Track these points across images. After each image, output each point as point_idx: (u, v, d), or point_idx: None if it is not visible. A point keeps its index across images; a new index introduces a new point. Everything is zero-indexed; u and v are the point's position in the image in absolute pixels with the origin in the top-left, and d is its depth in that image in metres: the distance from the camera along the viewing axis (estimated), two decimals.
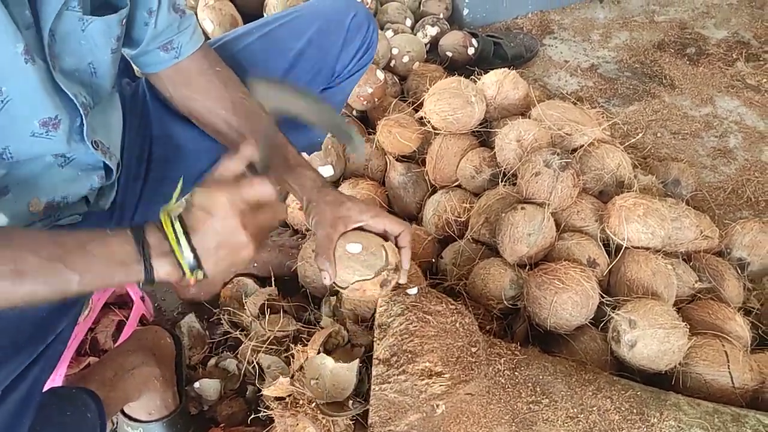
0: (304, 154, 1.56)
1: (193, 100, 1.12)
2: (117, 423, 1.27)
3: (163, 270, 0.79)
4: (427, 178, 1.60)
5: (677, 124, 1.89)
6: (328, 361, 1.16)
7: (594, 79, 2.06)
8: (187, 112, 1.14)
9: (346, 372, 1.13)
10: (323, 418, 1.06)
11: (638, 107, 1.95)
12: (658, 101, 1.96)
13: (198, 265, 0.80)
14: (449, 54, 2.02)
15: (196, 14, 1.86)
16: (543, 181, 1.33)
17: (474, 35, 2.04)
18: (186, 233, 0.79)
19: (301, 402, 1.10)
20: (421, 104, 1.60)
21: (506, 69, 1.62)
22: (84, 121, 0.93)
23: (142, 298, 1.53)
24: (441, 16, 2.23)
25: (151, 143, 1.19)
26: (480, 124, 1.60)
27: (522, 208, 1.32)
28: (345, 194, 1.11)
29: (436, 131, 1.59)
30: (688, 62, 2.09)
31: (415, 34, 2.14)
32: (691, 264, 1.38)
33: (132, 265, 0.78)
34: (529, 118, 1.52)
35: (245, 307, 1.42)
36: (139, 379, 1.18)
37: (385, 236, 1.10)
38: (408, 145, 1.60)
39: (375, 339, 1.10)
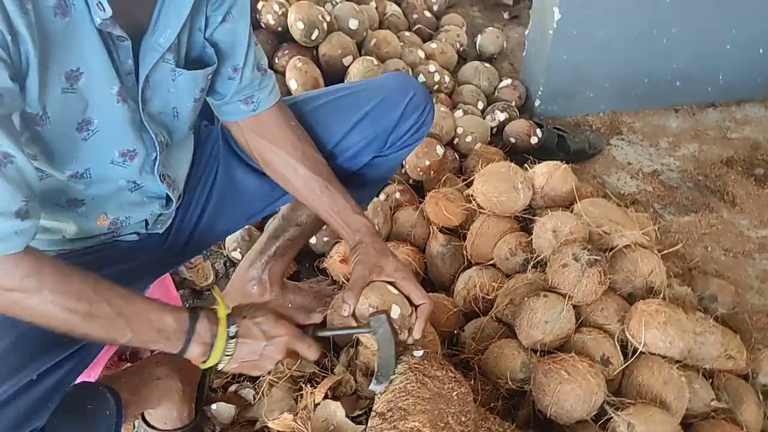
0: None
1: (266, 148, 1.24)
2: (137, 426, 1.38)
3: (194, 353, 1.00)
4: (465, 252, 1.66)
5: (731, 241, 1.87)
6: (340, 412, 1.23)
7: (654, 185, 2.08)
8: (259, 158, 1.27)
9: (351, 429, 1.19)
10: None
11: (694, 219, 1.95)
12: (715, 216, 1.96)
13: (226, 361, 1.02)
14: (512, 140, 2.11)
15: (285, 73, 2.04)
16: (569, 274, 1.36)
17: (539, 125, 2.12)
18: (234, 339, 1.00)
19: None
20: (472, 182, 1.68)
21: (559, 162, 1.68)
22: (158, 157, 1.08)
23: None
24: (513, 103, 2.33)
25: (214, 182, 1.33)
26: (524, 210, 1.66)
27: (544, 296, 1.36)
28: (391, 250, 1.21)
29: (481, 210, 1.66)
30: (754, 182, 2.08)
31: (485, 117, 2.24)
32: (711, 381, 1.36)
33: (174, 341, 0.97)
34: (571, 212, 1.57)
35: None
36: (161, 390, 1.28)
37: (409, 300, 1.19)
38: (451, 219, 1.68)
39: (377, 394, 1.17)
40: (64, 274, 0.87)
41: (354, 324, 1.14)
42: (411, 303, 1.18)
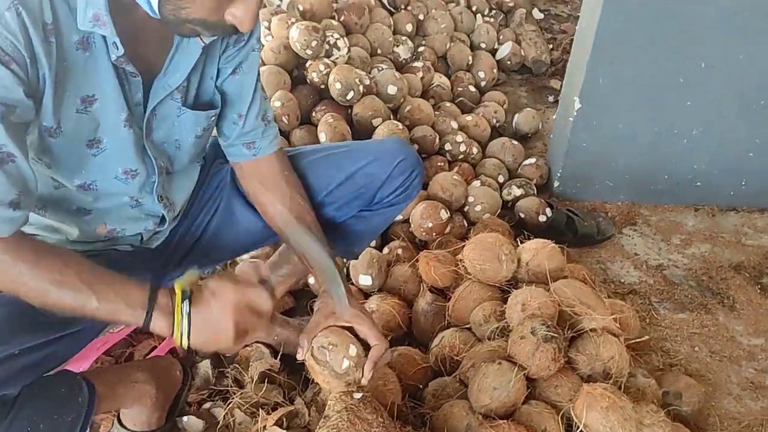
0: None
1: (260, 190, 1.40)
2: (113, 424, 1.52)
3: (158, 325, 1.05)
4: (447, 313, 1.75)
5: (720, 344, 1.88)
6: None
7: (656, 278, 2.11)
8: (253, 198, 1.43)
9: None
10: None
11: (688, 317, 1.97)
12: (710, 318, 1.97)
13: (187, 334, 1.05)
14: (521, 215, 2.20)
15: (318, 126, 2.22)
16: (525, 345, 1.44)
17: (550, 205, 2.21)
18: (189, 306, 1.05)
19: None
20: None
21: (547, 241, 1.76)
22: (157, 179, 1.26)
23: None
24: (534, 181, 2.42)
25: (215, 213, 1.49)
26: (508, 281, 1.75)
27: (498, 363, 1.43)
28: (351, 297, 1.32)
29: (467, 276, 1.75)
30: (759, 290, 2.08)
31: (502, 191, 2.34)
32: None
33: (137, 310, 1.04)
34: (547, 290, 1.64)
35: (248, 369, 1.64)
36: (137, 392, 1.40)
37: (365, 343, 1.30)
38: (439, 279, 1.78)
39: (318, 426, 1.27)
40: (37, 251, 1.00)
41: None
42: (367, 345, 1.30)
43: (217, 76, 1.30)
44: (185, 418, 1.55)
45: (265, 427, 1.38)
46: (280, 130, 2.23)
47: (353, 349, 1.28)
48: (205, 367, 1.70)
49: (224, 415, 1.54)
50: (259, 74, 1.35)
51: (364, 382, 1.28)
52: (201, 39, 1.15)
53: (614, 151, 2.29)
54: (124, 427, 1.44)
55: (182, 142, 1.28)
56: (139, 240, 1.35)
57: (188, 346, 1.07)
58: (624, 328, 1.68)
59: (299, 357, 1.28)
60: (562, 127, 2.35)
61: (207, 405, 1.61)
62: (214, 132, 1.42)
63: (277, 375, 1.63)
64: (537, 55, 3.36)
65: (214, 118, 1.31)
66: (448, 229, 2.04)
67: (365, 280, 1.85)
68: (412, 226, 2.02)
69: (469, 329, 1.69)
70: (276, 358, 1.68)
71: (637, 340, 1.60)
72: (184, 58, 1.17)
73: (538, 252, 1.75)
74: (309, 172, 1.48)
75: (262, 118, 1.37)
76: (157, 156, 1.24)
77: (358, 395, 1.27)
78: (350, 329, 1.31)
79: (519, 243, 1.83)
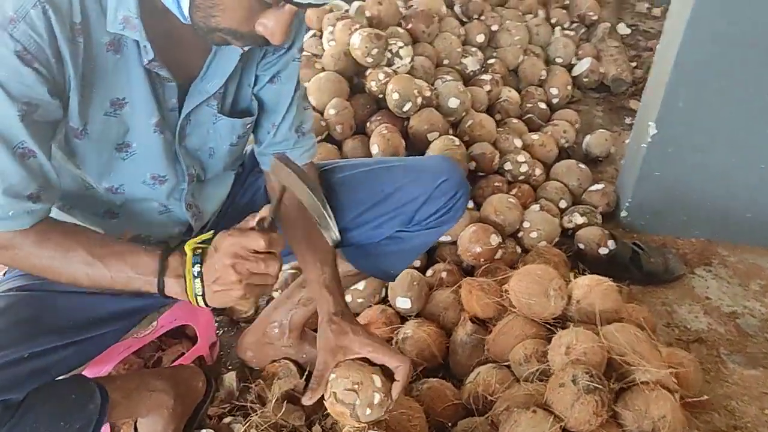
0: (359, 285, 1.73)
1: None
2: None
3: (172, 289, 1.04)
4: (486, 347, 1.63)
5: None
6: None
7: (727, 327, 1.91)
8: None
9: None
10: None
11: (760, 374, 1.76)
12: None
13: (201, 293, 1.02)
14: (580, 246, 2.04)
15: (371, 137, 2.15)
16: (564, 395, 1.30)
17: (613, 237, 2.04)
18: (200, 265, 1.01)
19: None
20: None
21: (603, 278, 1.61)
22: (187, 187, 1.21)
23: (214, 344, 1.78)
24: (599, 209, 2.25)
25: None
26: (556, 319, 1.61)
27: (533, 411, 1.31)
28: (353, 324, 1.25)
29: (512, 309, 1.63)
30: None
31: (563, 218, 2.19)
32: None
33: (149, 277, 1.03)
34: (597, 333, 1.50)
35: (272, 387, 1.58)
36: (154, 401, 1.37)
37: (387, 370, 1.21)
38: (481, 310, 1.66)
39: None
40: (43, 232, 1.01)
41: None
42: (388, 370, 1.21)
43: (255, 83, 1.25)
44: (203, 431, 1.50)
45: None
46: (333, 138, 2.19)
47: (378, 380, 1.19)
48: (230, 379, 1.65)
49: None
50: (298, 85, 1.30)
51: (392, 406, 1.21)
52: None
53: (691, 182, 2.10)
54: None
55: (216, 150, 1.24)
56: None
57: (207, 305, 1.04)
58: (683, 383, 1.51)
59: (306, 402, 1.20)
60: (634, 152, 2.18)
61: (227, 420, 1.56)
62: (252, 140, 1.38)
63: (300, 395, 1.56)
64: (617, 72, 3.16)
65: (250, 125, 1.26)
66: (498, 255, 1.92)
67: (403, 303, 1.76)
68: (459, 249, 1.91)
69: (509, 367, 1.57)
70: (303, 378, 1.61)
71: (696, 399, 1.43)
72: (222, 64, 1.13)
73: (592, 290, 1.60)
74: (344, 188, 1.41)
75: (296, 130, 1.32)
76: (190, 163, 1.20)
77: None
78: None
79: (573, 277, 1.69)
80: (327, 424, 1.48)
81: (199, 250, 1.03)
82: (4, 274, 1.25)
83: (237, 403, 1.60)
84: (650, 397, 1.36)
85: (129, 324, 1.32)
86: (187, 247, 1.03)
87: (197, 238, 1.05)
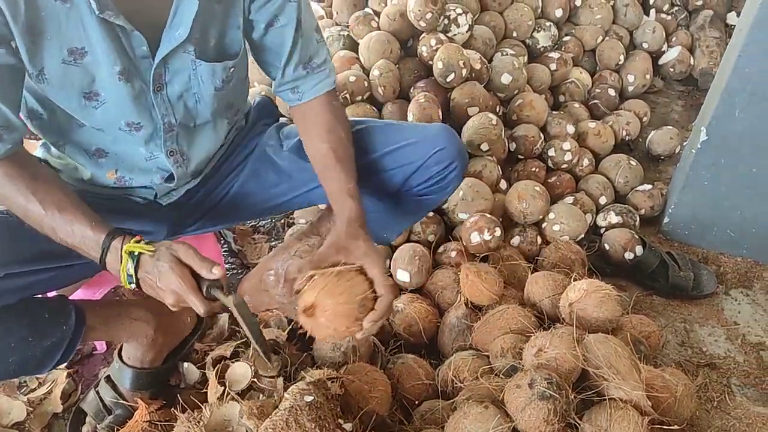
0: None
1: (307, 127, 1.38)
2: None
3: (111, 268, 1.12)
4: (472, 334, 1.61)
5: None
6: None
7: (747, 357, 1.78)
8: (303, 137, 1.40)
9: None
10: None
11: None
12: None
13: (135, 284, 1.11)
14: (606, 246, 1.94)
15: (411, 100, 2.11)
16: (518, 396, 1.27)
17: (643, 242, 1.93)
18: (135, 265, 1.09)
19: None
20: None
21: (602, 284, 1.53)
22: (163, 135, 1.25)
23: None
24: (642, 211, 2.13)
25: (240, 175, 1.47)
26: (551, 319, 1.56)
27: (485, 406, 1.29)
28: (366, 235, 1.25)
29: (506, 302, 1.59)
30: None
31: (598, 215, 2.09)
32: None
33: (93, 253, 1.11)
34: (579, 341, 1.43)
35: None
36: (134, 329, 1.43)
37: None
38: (474, 297, 1.63)
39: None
40: (9, 176, 1.08)
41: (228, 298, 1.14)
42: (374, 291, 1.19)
43: (253, 29, 1.26)
44: (185, 365, 1.58)
45: (224, 395, 1.37)
46: (375, 100, 2.18)
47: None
48: (223, 319, 1.73)
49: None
50: (299, 24, 1.28)
51: (358, 336, 1.18)
52: None
53: (741, 196, 1.93)
54: (121, 359, 1.50)
55: (201, 96, 1.26)
56: (153, 195, 1.37)
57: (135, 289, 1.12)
58: (667, 409, 1.43)
59: (296, 286, 1.20)
60: (686, 157, 2.03)
61: (211, 357, 1.63)
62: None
63: (280, 347, 1.61)
64: (708, 66, 2.92)
65: (233, 69, 1.27)
66: (516, 243, 1.86)
67: (402, 276, 1.76)
68: (461, 232, 1.87)
69: (487, 356, 1.54)
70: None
71: (676, 427, 1.34)
72: (186, 9, 1.12)
73: (588, 295, 1.53)
74: (356, 136, 1.42)
75: (304, 66, 1.33)
76: (168, 111, 1.23)
77: (309, 398, 1.21)
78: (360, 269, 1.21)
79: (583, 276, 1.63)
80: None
81: (138, 249, 1.09)
82: None
83: (225, 342, 1.66)
84: (614, 415, 1.31)
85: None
86: (126, 247, 1.09)
87: (140, 243, 1.10)
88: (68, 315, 1.27)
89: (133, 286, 1.10)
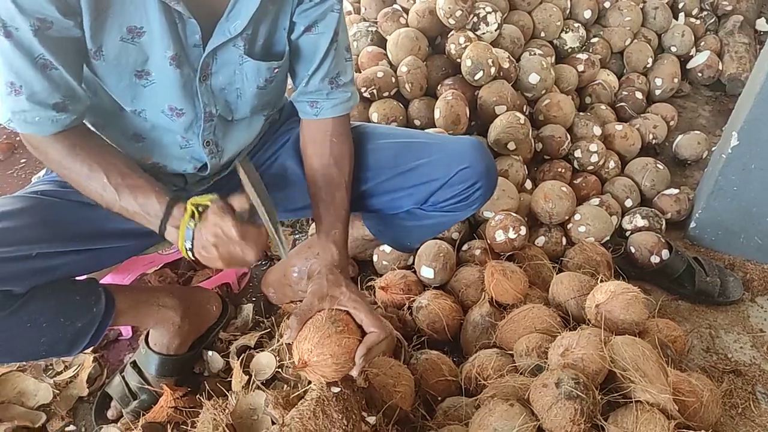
0: (386, 248, 1.73)
1: (309, 149, 1.39)
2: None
3: (170, 235, 1.14)
4: (496, 332, 1.60)
5: None
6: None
7: None
8: (303, 155, 1.41)
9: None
10: None
11: None
12: None
13: (190, 249, 1.11)
14: (631, 249, 1.93)
15: (437, 101, 2.11)
16: (544, 395, 1.26)
17: (669, 246, 1.91)
18: (193, 227, 1.10)
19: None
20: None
21: (629, 286, 1.52)
22: (203, 124, 1.26)
23: (245, 274, 1.87)
24: (668, 215, 2.11)
25: (269, 169, 1.47)
26: (576, 319, 1.55)
27: (510, 404, 1.28)
28: (348, 281, 1.27)
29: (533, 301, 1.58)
30: None
31: (624, 217, 2.07)
32: None
33: (154, 219, 1.13)
34: (606, 342, 1.42)
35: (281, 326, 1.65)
36: (161, 316, 1.46)
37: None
38: (499, 295, 1.63)
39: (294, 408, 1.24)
40: (73, 146, 1.11)
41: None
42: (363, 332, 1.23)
43: (292, 30, 1.27)
44: (209, 353, 1.59)
45: (249, 384, 1.38)
46: (402, 97, 2.17)
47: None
48: (247, 310, 1.74)
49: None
50: (336, 36, 1.29)
51: (354, 372, 1.21)
52: None
53: None
54: (147, 345, 1.52)
55: (243, 91, 1.27)
56: (184, 183, 1.38)
57: (194, 259, 1.14)
58: (693, 414, 1.42)
59: (286, 340, 1.24)
60: (715, 162, 2.00)
61: (234, 346, 1.64)
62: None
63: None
64: (736, 72, 2.89)
65: (277, 70, 1.28)
66: (540, 243, 1.85)
67: (427, 272, 1.75)
68: (486, 230, 1.86)
69: (513, 357, 1.53)
70: None
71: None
72: (245, 4, 1.14)
73: (615, 297, 1.52)
74: (371, 155, 1.43)
75: (330, 81, 1.33)
76: (210, 102, 1.24)
77: (336, 389, 1.21)
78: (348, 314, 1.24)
79: (609, 278, 1.62)
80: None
81: (201, 208, 1.11)
82: (45, 174, 1.37)
83: (248, 333, 1.67)
84: (641, 418, 1.30)
85: (140, 244, 1.38)
86: (189, 204, 1.11)
87: (202, 197, 1.12)
88: (98, 298, 1.29)
89: (189, 252, 1.12)
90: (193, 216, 1.11)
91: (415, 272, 1.80)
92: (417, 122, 2.15)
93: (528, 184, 2.11)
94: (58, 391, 1.52)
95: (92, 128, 1.27)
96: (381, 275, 1.81)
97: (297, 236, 2.05)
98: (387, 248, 1.82)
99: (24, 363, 1.55)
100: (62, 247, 1.19)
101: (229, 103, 1.28)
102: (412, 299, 1.70)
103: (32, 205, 1.19)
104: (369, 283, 1.78)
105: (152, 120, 1.24)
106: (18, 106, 1.06)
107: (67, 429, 1.48)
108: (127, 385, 1.49)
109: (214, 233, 1.08)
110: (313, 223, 1.95)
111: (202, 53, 1.16)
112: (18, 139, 2.41)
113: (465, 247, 1.89)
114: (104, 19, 1.05)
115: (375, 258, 1.85)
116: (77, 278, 1.30)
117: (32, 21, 0.98)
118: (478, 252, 1.84)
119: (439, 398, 1.51)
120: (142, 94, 1.18)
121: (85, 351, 1.40)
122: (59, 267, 1.20)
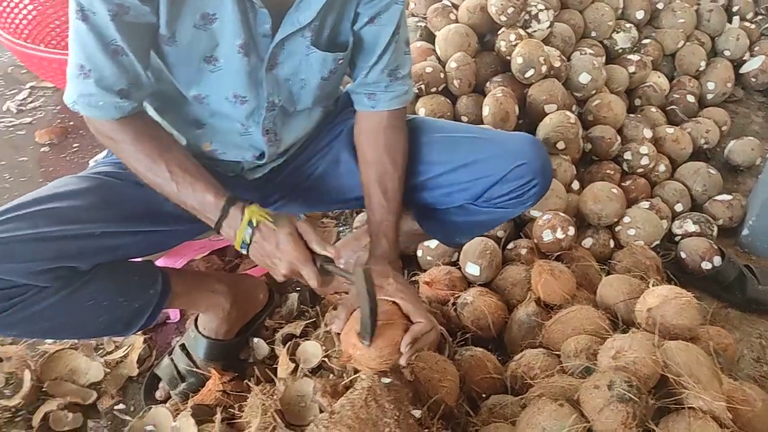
0: (431, 243, 1.73)
1: (360, 139, 1.39)
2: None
3: (226, 234, 1.17)
4: (542, 332, 1.59)
5: None
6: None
7: None
8: (356, 145, 1.42)
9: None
10: None
11: None
12: None
13: (246, 251, 1.16)
14: (682, 255, 1.89)
15: (486, 98, 2.09)
16: (596, 397, 1.25)
17: (721, 253, 1.86)
18: (251, 234, 1.14)
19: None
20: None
21: (682, 291, 1.49)
22: (265, 113, 1.27)
23: None
24: (719, 221, 2.06)
25: (324, 159, 1.48)
26: (625, 323, 1.52)
27: (560, 404, 1.27)
28: (396, 273, 1.27)
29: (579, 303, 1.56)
30: None
31: (674, 222, 2.04)
32: None
33: (210, 217, 1.16)
34: (659, 346, 1.40)
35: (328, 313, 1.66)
36: (211, 301, 1.48)
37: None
38: (546, 295, 1.61)
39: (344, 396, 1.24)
40: (140, 135, 1.14)
41: (350, 272, 1.18)
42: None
43: (356, 21, 1.27)
44: (255, 340, 1.61)
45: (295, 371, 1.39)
46: (449, 93, 2.17)
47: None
48: (292, 299, 1.75)
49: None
50: (398, 29, 1.30)
51: (401, 361, 1.20)
52: None
53: None
54: (197, 328, 1.54)
55: (308, 82, 1.28)
56: (240, 169, 1.40)
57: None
58: (745, 423, 1.38)
59: (334, 328, 1.24)
60: None
61: (280, 333, 1.65)
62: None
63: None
64: None
65: (342, 61, 1.28)
66: (588, 245, 1.83)
67: (473, 269, 1.74)
68: (533, 230, 1.84)
69: (559, 357, 1.52)
70: None
71: None
72: None
73: (668, 301, 1.49)
74: (425, 149, 1.42)
75: (389, 74, 1.33)
76: (274, 91, 1.25)
77: (387, 380, 1.21)
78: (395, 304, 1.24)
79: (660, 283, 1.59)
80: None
81: (258, 218, 1.14)
82: (104, 157, 1.39)
83: (293, 322, 1.68)
84: (694, 425, 1.27)
85: (194, 229, 1.38)
86: (248, 212, 1.14)
87: (260, 210, 1.16)
88: (156, 279, 1.31)
89: (245, 251, 1.15)
90: (250, 224, 1.14)
91: (459, 269, 1.79)
92: (464, 119, 2.14)
93: (575, 185, 2.09)
94: (108, 370, 1.55)
95: (154, 113, 1.29)
96: (425, 270, 1.81)
97: (341, 228, 2.06)
98: (432, 243, 1.81)
99: (77, 341, 1.58)
100: (123, 227, 1.22)
101: (293, 93, 1.29)
102: (456, 296, 1.69)
103: (96, 185, 1.21)
104: (413, 278, 1.77)
105: (214, 106, 1.25)
106: (86, 89, 1.08)
107: (116, 407, 1.51)
108: (176, 367, 1.51)
109: (288, 262, 1.14)
110: (358, 216, 1.96)
111: (270, 43, 1.17)
112: (71, 123, 2.47)
113: (510, 245, 1.88)
114: (180, 4, 1.07)
115: (420, 253, 1.85)
116: (135, 260, 1.32)
117: (110, 6, 1.00)
118: (524, 251, 1.83)
119: (484, 395, 1.50)
120: (209, 80, 1.20)
121: (140, 331, 1.43)
122: (120, 247, 1.22)
